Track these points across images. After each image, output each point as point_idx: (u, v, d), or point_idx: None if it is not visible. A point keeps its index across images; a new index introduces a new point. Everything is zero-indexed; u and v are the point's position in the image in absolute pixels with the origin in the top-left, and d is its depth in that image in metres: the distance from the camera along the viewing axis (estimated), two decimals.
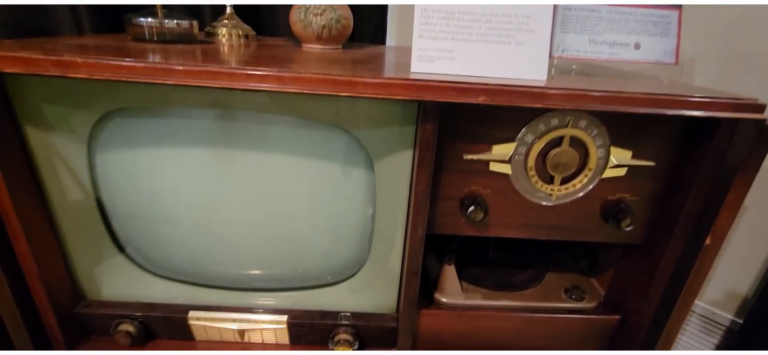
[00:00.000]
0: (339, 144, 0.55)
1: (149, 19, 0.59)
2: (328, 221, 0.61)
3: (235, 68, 0.43)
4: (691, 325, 1.17)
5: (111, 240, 0.62)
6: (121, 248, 0.63)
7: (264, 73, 0.43)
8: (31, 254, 0.54)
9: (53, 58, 0.42)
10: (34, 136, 0.51)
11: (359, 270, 0.64)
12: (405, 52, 0.74)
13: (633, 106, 0.44)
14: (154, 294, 0.65)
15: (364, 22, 1.01)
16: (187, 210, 0.59)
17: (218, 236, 0.61)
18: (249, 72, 0.43)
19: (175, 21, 0.61)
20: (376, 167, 0.54)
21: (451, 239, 0.69)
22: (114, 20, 0.93)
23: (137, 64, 0.43)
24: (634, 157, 0.51)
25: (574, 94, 0.44)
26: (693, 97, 0.45)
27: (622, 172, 0.52)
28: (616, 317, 0.63)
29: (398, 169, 0.53)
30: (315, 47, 0.70)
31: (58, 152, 0.53)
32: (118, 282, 0.64)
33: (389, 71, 0.49)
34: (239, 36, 0.74)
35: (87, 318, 0.63)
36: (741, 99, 0.45)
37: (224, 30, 0.72)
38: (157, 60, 0.45)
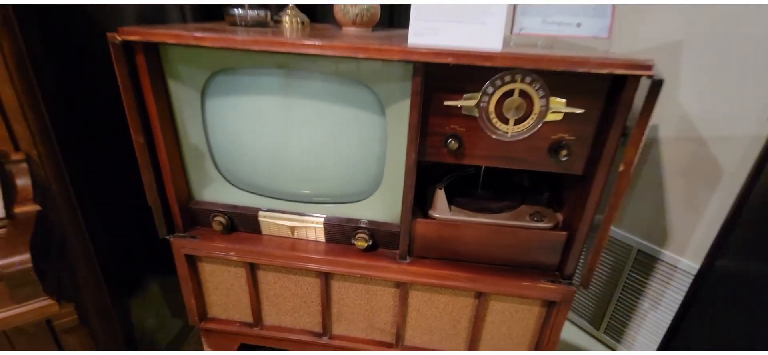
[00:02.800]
0: (362, 96, 0.80)
1: (239, 10, 0.88)
2: (354, 152, 0.86)
3: (293, 40, 0.70)
4: (660, 274, 1.32)
5: (211, 161, 0.92)
6: (217, 167, 0.94)
7: (311, 42, 0.69)
8: (168, 166, 0.86)
9: (191, 34, 0.72)
10: (174, 87, 0.82)
11: (375, 191, 0.89)
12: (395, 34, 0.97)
13: (554, 65, 0.65)
14: (236, 200, 0.95)
15: (402, 10, 1.27)
16: (260, 141, 0.88)
17: (280, 160, 0.90)
18: (302, 42, 0.70)
19: (256, 12, 0.89)
20: (387, 112, 0.79)
21: (451, 174, 0.92)
22: (207, 12, 1.25)
23: (236, 37, 0.71)
24: (567, 105, 0.71)
25: (513, 56, 0.66)
26: (597, 58, 0.64)
27: (560, 116, 0.72)
28: (564, 233, 0.83)
29: (401, 113, 0.78)
30: (351, 30, 0.95)
31: (185, 98, 0.84)
32: (214, 190, 0.95)
33: (395, 44, 0.73)
34: (298, 22, 1.01)
35: (195, 212, 0.95)
36: (636, 60, 0.64)
37: (287, 18, 1.00)
38: (246, 36, 0.73)
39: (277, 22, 1.01)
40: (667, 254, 1.31)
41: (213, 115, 0.87)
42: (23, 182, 0.83)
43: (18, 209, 0.81)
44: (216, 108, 0.86)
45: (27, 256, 0.72)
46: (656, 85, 0.63)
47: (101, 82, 1.16)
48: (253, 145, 0.89)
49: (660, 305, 1.35)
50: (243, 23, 0.89)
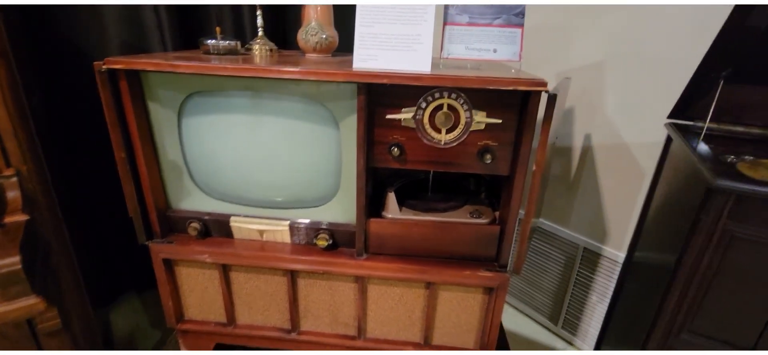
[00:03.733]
0: (319, 112, 0.92)
1: (212, 41, 1.01)
2: (314, 162, 0.98)
3: (260, 66, 0.83)
4: (603, 269, 1.46)
5: (187, 173, 1.03)
6: (192, 179, 1.04)
7: (272, 67, 0.82)
8: (148, 178, 0.97)
9: (168, 62, 0.84)
10: (153, 108, 0.93)
11: (334, 195, 1.01)
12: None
13: (471, 83, 0.79)
14: (210, 207, 1.05)
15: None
16: (231, 155, 1.00)
17: (249, 172, 1.01)
18: (263, 67, 0.82)
19: (227, 41, 1.02)
20: (340, 126, 0.92)
21: (403, 180, 1.05)
22: (186, 41, 1.38)
23: (208, 65, 0.83)
24: (488, 116, 0.85)
25: (438, 76, 0.79)
26: (506, 78, 0.78)
27: (483, 126, 0.86)
28: (497, 227, 0.96)
29: (352, 126, 0.90)
30: (313, 56, 1.09)
31: (163, 118, 0.95)
32: (189, 199, 1.05)
33: (344, 68, 0.86)
34: (266, 50, 1.14)
35: (172, 220, 1.05)
36: (535, 79, 0.78)
37: (257, 46, 1.13)
38: (218, 63, 0.85)
39: (248, 49, 1.14)
40: (608, 250, 1.45)
41: (188, 133, 0.98)
42: (13, 194, 0.93)
43: (8, 219, 0.90)
44: (191, 126, 0.97)
45: (17, 257, 0.81)
46: (551, 99, 0.78)
47: (84, 103, 1.27)
48: (224, 159, 1.00)
49: (606, 297, 1.48)
50: (216, 51, 1.01)
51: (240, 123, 0.96)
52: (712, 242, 0.69)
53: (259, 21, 1.14)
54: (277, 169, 1.00)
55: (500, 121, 0.85)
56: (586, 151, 1.42)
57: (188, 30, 1.40)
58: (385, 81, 0.80)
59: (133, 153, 0.95)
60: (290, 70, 0.82)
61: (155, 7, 1.28)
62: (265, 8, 1.16)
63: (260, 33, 1.15)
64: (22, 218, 0.91)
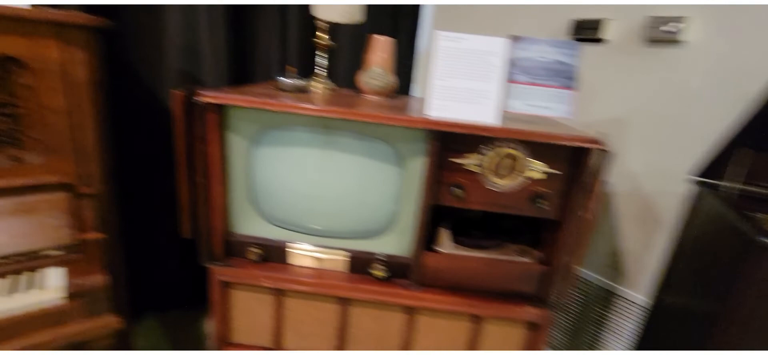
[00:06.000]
0: (382, 150, 1.00)
1: (285, 79, 1.09)
2: (374, 196, 1.05)
3: (331, 107, 0.91)
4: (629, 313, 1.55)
5: (251, 200, 1.08)
6: (255, 205, 1.10)
7: (347, 110, 0.90)
8: (218, 203, 1.02)
9: (246, 97, 0.91)
10: (229, 137, 1.00)
11: (390, 228, 1.07)
12: (420, 101, 1.21)
13: (535, 137, 0.89)
14: (270, 234, 1.10)
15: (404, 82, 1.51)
16: (295, 185, 1.06)
17: (311, 202, 1.07)
18: (338, 109, 0.90)
19: (297, 80, 1.10)
20: (403, 165, 1.00)
21: (450, 217, 1.13)
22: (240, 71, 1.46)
23: (281, 102, 0.91)
24: (544, 166, 0.95)
25: (506, 129, 0.89)
26: (567, 134, 0.88)
27: (539, 174, 0.95)
28: (544, 266, 1.04)
29: (416, 165, 0.98)
30: (373, 97, 1.18)
31: (238, 148, 1.01)
32: (251, 224, 1.10)
33: (415, 113, 0.95)
34: (326, 88, 1.23)
35: (232, 244, 1.10)
36: (592, 137, 0.88)
37: (317, 84, 1.21)
38: (290, 101, 0.93)
39: (312, 87, 1.22)
40: (626, 291, 1.54)
41: (257, 162, 1.04)
42: (91, 213, 0.96)
43: (87, 236, 0.93)
44: (261, 156, 1.03)
45: (104, 277, 0.84)
46: (606, 156, 0.88)
47: (151, 133, 1.32)
48: (288, 188, 1.06)
49: (621, 336, 1.56)
50: (288, 89, 1.09)
51: (307, 156, 1.03)
52: (754, 291, 0.79)
53: (322, 61, 1.23)
54: (338, 200, 1.06)
55: (555, 171, 0.95)
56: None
57: (241, 61, 1.48)
58: (460, 130, 0.89)
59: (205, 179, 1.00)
60: (380, 115, 0.90)
61: (211, 38, 1.36)
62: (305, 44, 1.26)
63: (321, 72, 1.24)
64: (98, 236, 0.95)
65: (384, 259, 1.08)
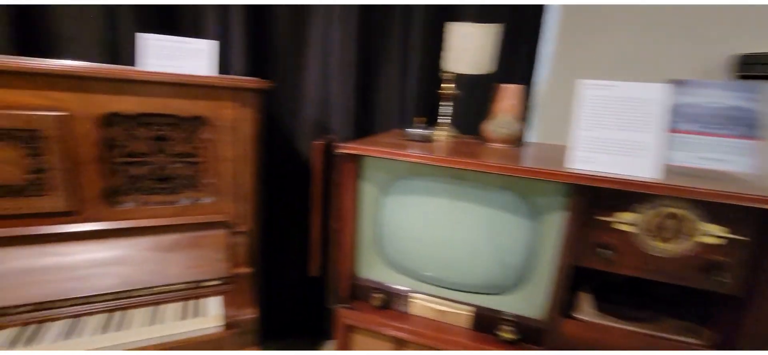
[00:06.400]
0: (515, 203, 0.95)
1: (411, 130, 1.12)
2: (504, 251, 1.00)
3: (468, 160, 0.89)
4: None
5: (379, 247, 1.11)
6: (381, 252, 1.12)
7: (484, 162, 0.88)
8: (349, 248, 1.07)
9: (381, 149, 0.95)
10: (364, 187, 1.05)
11: (520, 286, 1.00)
12: (549, 149, 1.13)
13: (710, 197, 0.75)
14: (393, 281, 1.11)
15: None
16: (423, 233, 1.06)
17: (437, 252, 1.06)
18: (476, 162, 0.88)
19: (423, 130, 1.13)
20: (540, 219, 0.93)
21: (591, 279, 1.01)
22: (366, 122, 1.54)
23: (411, 153, 0.92)
24: (721, 231, 0.79)
25: (671, 187, 0.77)
26: (757, 195, 0.73)
27: (713, 240, 0.80)
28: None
29: (553, 221, 0.91)
30: (498, 146, 1.14)
31: (370, 196, 1.06)
32: (376, 270, 1.12)
33: (551, 165, 0.88)
34: (450, 136, 1.23)
35: (357, 287, 1.13)
36: None
37: (441, 132, 1.22)
38: (421, 152, 0.93)
39: (435, 135, 1.24)
40: None
41: (386, 210, 1.07)
42: (243, 249, 1.08)
43: (238, 270, 1.05)
44: (391, 204, 1.06)
45: (254, 310, 0.93)
46: None
47: (286, 177, 1.48)
48: (415, 237, 1.06)
49: None
50: (414, 138, 1.12)
51: (435, 206, 1.02)
52: None
53: (446, 109, 1.24)
54: (464, 252, 1.03)
55: (746, 238, 0.79)
56: None
57: (366, 109, 1.58)
58: (613, 186, 0.80)
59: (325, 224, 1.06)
60: (518, 168, 0.86)
61: (341, 90, 1.48)
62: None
63: (444, 120, 1.25)
64: (247, 270, 1.06)
65: (512, 319, 1.00)
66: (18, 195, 0.85)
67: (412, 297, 1.09)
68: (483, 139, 1.19)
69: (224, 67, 1.30)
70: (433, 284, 1.08)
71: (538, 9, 1.44)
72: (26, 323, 0.82)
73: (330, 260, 1.11)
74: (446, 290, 1.07)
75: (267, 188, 1.52)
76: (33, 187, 0.86)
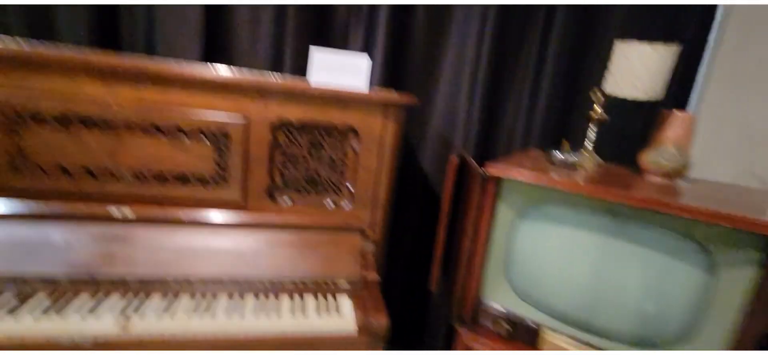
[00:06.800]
0: (690, 251, 0.82)
1: (556, 154, 1.05)
2: (667, 303, 0.87)
3: (625, 191, 0.80)
4: None
5: (507, 272, 1.06)
6: (510, 279, 1.07)
7: (646, 196, 0.77)
8: (478, 268, 1.04)
9: (522, 170, 0.90)
10: (501, 209, 1.01)
11: (682, 344, 0.86)
12: (726, 189, 0.96)
13: None
14: (521, 311, 1.05)
15: None
16: (561, 267, 0.98)
17: (578, 289, 0.97)
18: (635, 195, 0.78)
19: (568, 155, 1.05)
20: (717, 273, 0.79)
21: None
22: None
23: (559, 179, 0.85)
24: None
25: None
26: None
27: None
28: None
29: (738, 278, 0.77)
30: (658, 179, 1.01)
31: (506, 218, 1.02)
32: (503, 296, 1.07)
33: (749, 211, 0.74)
34: (595, 163, 1.13)
35: (481, 312, 1.10)
36: None
37: (584, 159, 1.13)
38: (565, 177, 0.86)
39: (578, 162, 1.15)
40: None
41: (522, 235, 1.02)
42: (371, 256, 1.13)
43: (368, 275, 1.09)
44: (527, 230, 1.01)
45: (386, 319, 0.96)
46: None
47: (407, 188, 1.51)
48: (551, 269, 0.99)
49: None
50: (558, 163, 1.05)
51: (584, 239, 0.94)
52: None
53: (591, 135, 1.14)
54: (614, 295, 0.93)
55: None
56: None
57: (490, 126, 1.54)
58: None
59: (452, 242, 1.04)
60: (711, 212, 0.75)
61: (468, 106, 1.46)
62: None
63: (590, 146, 1.15)
64: (375, 277, 1.10)
65: None
66: (206, 184, 1.01)
67: (544, 333, 1.02)
68: (637, 170, 1.07)
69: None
70: (566, 323, 1.00)
71: (706, 16, 1.25)
72: (203, 294, 0.96)
73: (452, 277, 1.10)
74: (584, 333, 0.98)
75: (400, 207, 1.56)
76: (218, 179, 1.01)
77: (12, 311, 0.82)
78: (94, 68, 0.89)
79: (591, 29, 1.37)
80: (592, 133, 1.14)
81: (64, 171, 0.93)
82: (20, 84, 0.87)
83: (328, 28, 1.39)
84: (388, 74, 1.40)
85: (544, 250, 0.99)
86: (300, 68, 1.32)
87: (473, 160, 1.04)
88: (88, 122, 0.91)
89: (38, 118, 0.89)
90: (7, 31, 1.21)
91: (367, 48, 1.39)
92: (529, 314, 1.04)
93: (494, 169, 0.94)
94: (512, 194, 0.99)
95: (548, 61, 1.40)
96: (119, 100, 0.92)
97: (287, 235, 1.05)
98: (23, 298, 0.85)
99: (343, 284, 1.06)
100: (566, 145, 1.05)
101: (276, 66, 1.36)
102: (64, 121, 0.90)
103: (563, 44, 1.36)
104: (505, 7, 1.35)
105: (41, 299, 0.86)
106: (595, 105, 1.11)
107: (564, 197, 0.93)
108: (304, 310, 0.97)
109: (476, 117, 1.47)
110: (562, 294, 0.99)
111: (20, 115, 0.88)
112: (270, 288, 1.00)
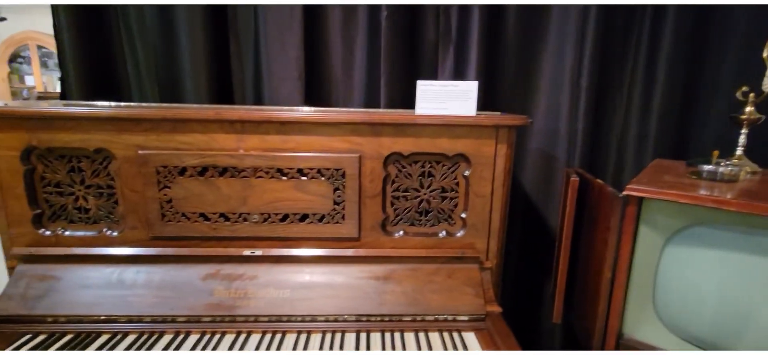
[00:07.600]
0: None
1: (705, 166, 0.92)
2: None
3: None
4: None
5: (652, 303, 0.94)
6: (656, 311, 0.94)
7: None
8: (619, 299, 0.93)
9: (676, 191, 0.78)
10: (643, 232, 0.90)
11: None
12: None
13: None
14: (671, 346, 0.91)
15: None
16: (722, 297, 0.84)
17: (749, 328, 0.82)
18: None
19: (729, 168, 0.90)
20: None
21: None
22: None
23: (730, 199, 0.73)
24: None
25: None
26: None
27: None
28: None
29: None
30: None
31: (649, 243, 0.90)
32: (649, 331, 0.95)
33: None
34: (747, 172, 0.97)
35: (624, 344, 0.97)
36: None
37: (745, 169, 0.97)
38: (717, 193, 0.73)
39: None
40: None
41: (670, 261, 0.89)
42: (490, 287, 1.07)
43: (490, 308, 1.03)
44: (675, 255, 0.88)
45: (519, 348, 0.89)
46: None
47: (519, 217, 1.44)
48: (710, 299, 0.85)
49: None
50: (708, 176, 0.91)
51: (753, 267, 0.80)
52: None
53: (743, 139, 0.99)
54: None
55: None
56: None
57: (593, 142, 1.41)
58: None
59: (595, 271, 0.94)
60: None
61: (570, 122, 1.35)
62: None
63: (740, 152, 0.99)
64: (497, 309, 1.03)
65: None
66: (324, 222, 1.03)
67: None
68: None
69: None
70: None
71: None
72: (332, 332, 0.97)
73: (583, 310, 0.99)
74: None
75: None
76: (335, 215, 1.03)
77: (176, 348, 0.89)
78: (225, 120, 0.97)
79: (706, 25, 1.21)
80: (742, 137, 0.99)
81: (204, 217, 1.01)
82: (167, 141, 0.97)
83: (416, 53, 1.39)
84: (484, 93, 1.36)
85: (699, 276, 0.86)
86: (392, 99, 1.34)
87: (602, 182, 0.95)
88: (223, 171, 0.99)
89: (183, 171, 0.98)
90: (145, 99, 1.38)
91: (458, 68, 1.36)
92: (682, 349, 0.90)
93: (637, 190, 0.84)
94: (657, 215, 0.88)
95: (660, 62, 1.27)
96: (247, 147, 0.98)
97: (403, 268, 1.04)
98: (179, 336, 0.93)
99: (465, 318, 1.01)
100: (715, 154, 0.91)
101: (370, 101, 1.39)
102: (203, 171, 0.98)
103: (676, 48, 1.23)
104: (606, 7, 1.25)
105: (193, 339, 0.93)
106: (747, 106, 0.96)
107: (722, 217, 0.80)
108: (430, 347, 0.93)
109: (581, 127, 1.36)
110: (722, 326, 0.84)
111: (170, 171, 0.97)
112: (391, 326, 0.99)
